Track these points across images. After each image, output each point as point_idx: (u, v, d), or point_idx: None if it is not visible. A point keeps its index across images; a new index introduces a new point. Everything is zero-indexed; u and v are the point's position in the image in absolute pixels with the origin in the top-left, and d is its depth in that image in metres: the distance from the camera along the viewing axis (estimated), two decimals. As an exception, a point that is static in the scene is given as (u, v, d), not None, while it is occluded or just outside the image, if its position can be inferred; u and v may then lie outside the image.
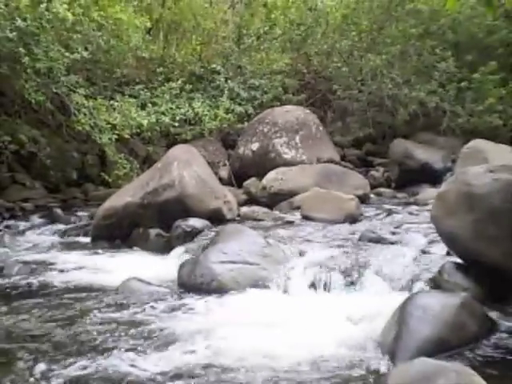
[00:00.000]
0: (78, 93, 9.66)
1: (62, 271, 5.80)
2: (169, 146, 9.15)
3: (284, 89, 12.73)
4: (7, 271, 5.81)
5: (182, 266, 5.41)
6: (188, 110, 11.03)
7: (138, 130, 10.21)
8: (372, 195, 9.15)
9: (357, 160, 11.77)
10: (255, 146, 9.93)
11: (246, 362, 3.42)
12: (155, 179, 7.10)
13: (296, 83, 13.22)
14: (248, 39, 13.26)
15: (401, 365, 3.16)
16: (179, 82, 11.52)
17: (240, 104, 11.75)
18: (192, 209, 6.91)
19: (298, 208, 7.62)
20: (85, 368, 3.38)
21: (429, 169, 10.03)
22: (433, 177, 9.58)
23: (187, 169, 7.16)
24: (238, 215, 7.56)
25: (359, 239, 5.77)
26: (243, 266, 5.10)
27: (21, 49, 8.67)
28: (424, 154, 10.31)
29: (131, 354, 3.56)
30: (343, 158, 11.20)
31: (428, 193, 8.67)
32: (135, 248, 6.74)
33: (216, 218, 6.97)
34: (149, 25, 12.37)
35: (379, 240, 5.66)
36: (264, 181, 8.94)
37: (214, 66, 12.61)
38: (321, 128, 10.32)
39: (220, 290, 4.90)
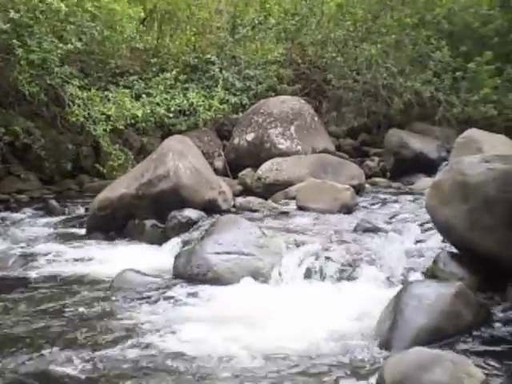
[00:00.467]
0: (72, 84, 9.62)
1: (56, 263, 5.80)
2: (163, 137, 9.13)
3: (279, 79, 12.69)
4: (2, 263, 5.81)
5: (177, 257, 5.42)
6: (182, 101, 11.00)
7: (133, 121, 10.18)
8: (367, 185, 9.15)
9: (352, 150, 11.76)
10: (250, 137, 9.91)
11: (240, 352, 3.42)
12: (150, 170, 7.08)
13: (291, 73, 13.18)
14: (242, 29, 13.19)
15: (396, 354, 3.16)
16: (173, 72, 11.47)
17: (235, 94, 11.72)
18: (187, 200, 6.90)
19: (293, 198, 7.62)
20: (76, 358, 3.38)
21: (424, 158, 10.04)
22: (428, 166, 9.58)
23: (182, 160, 7.14)
24: (234, 206, 7.55)
25: (354, 229, 5.77)
26: (239, 257, 5.11)
27: (14, 40, 8.64)
28: (419, 143, 10.32)
29: (125, 345, 3.56)
30: (338, 148, 11.19)
31: (423, 182, 8.69)
32: (130, 239, 6.73)
33: (211, 209, 6.97)
34: (143, 15, 12.35)
35: (374, 230, 5.66)
36: (259, 171, 8.93)
37: (208, 56, 12.56)
38: (316, 118, 10.31)
39: (215, 280, 4.91)
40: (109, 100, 9.99)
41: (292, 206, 7.39)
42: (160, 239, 6.49)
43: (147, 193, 6.94)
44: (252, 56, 12.98)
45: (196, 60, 12.55)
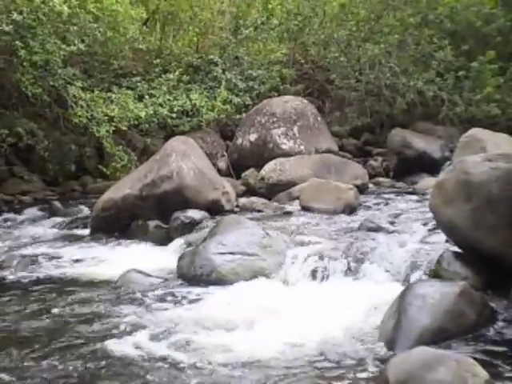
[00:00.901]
0: (74, 85, 9.64)
1: (60, 264, 5.81)
2: (167, 138, 9.14)
3: (282, 79, 12.70)
4: (6, 264, 5.82)
5: (181, 258, 5.42)
6: (185, 102, 11.01)
7: (136, 122, 10.20)
8: (370, 185, 9.15)
9: (355, 150, 11.76)
10: (253, 137, 9.91)
11: (242, 351, 3.42)
12: (153, 171, 7.09)
13: (294, 73, 13.19)
14: (245, 30, 13.20)
15: (400, 354, 3.16)
16: (176, 73, 11.48)
17: (237, 95, 11.72)
18: (191, 200, 6.91)
19: (296, 198, 7.62)
20: (80, 358, 3.39)
21: (427, 158, 10.04)
22: (431, 166, 9.58)
23: (185, 160, 7.15)
24: (237, 206, 7.56)
25: (358, 229, 5.77)
26: (242, 257, 5.11)
27: (17, 42, 8.65)
28: (422, 143, 10.32)
29: (129, 344, 3.57)
30: (341, 147, 11.19)
31: (426, 182, 8.68)
32: (134, 240, 6.73)
33: (214, 209, 6.98)
34: (145, 16, 12.35)
35: (378, 229, 5.66)
36: (262, 171, 8.93)
37: (211, 57, 12.57)
38: (319, 118, 10.31)
39: (219, 281, 4.91)
40: (112, 101, 10.00)
41: (295, 206, 7.39)
42: (164, 240, 6.49)
43: (151, 193, 6.94)
44: (255, 56, 12.99)
45: (199, 61, 12.56)
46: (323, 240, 5.38)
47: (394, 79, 11.64)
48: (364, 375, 3.12)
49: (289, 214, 7.00)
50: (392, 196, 8.23)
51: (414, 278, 4.43)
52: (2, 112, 9.63)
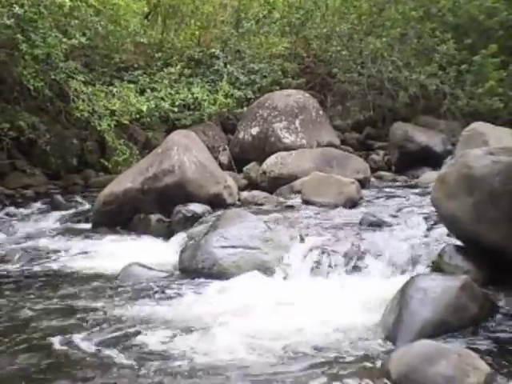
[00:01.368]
0: (76, 79, 9.62)
1: (62, 257, 5.82)
2: (168, 132, 9.12)
3: (283, 73, 12.65)
4: (8, 258, 5.83)
5: (183, 251, 5.43)
6: (187, 95, 10.97)
7: (138, 116, 10.17)
8: (372, 179, 9.14)
9: (357, 143, 11.73)
10: (255, 131, 9.90)
11: (245, 346, 3.43)
12: (155, 165, 7.10)
13: (295, 67, 13.15)
14: (247, 23, 13.15)
15: (402, 347, 3.17)
16: (178, 67, 11.45)
17: (239, 88, 11.68)
18: (192, 194, 6.91)
19: (298, 192, 7.62)
20: (80, 349, 3.41)
21: (429, 152, 10.02)
22: (433, 160, 9.56)
23: (187, 154, 7.15)
24: (239, 200, 7.56)
25: (360, 223, 5.77)
26: (244, 251, 5.12)
27: (19, 35, 8.63)
28: (424, 136, 10.29)
29: (130, 338, 3.58)
30: (343, 141, 11.16)
31: (428, 176, 8.67)
32: (136, 233, 6.75)
33: (216, 203, 6.98)
34: (147, 9, 12.31)
35: (380, 223, 5.66)
36: (264, 165, 8.93)
37: (212, 50, 12.53)
38: (320, 112, 10.30)
39: (221, 274, 4.92)
40: (113, 95, 9.98)
41: (297, 199, 7.38)
42: (165, 233, 6.51)
43: (152, 187, 6.95)
44: (256, 50, 12.93)
45: (200, 54, 12.52)
46: (325, 234, 5.39)
47: (396, 73, 11.60)
48: (365, 368, 3.13)
49: (290, 207, 6.99)
50: (394, 190, 8.22)
51: (415, 271, 4.43)
52: (3, 106, 9.62)
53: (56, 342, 3.57)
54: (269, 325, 3.73)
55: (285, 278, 4.81)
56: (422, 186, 8.15)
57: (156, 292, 4.59)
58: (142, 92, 10.76)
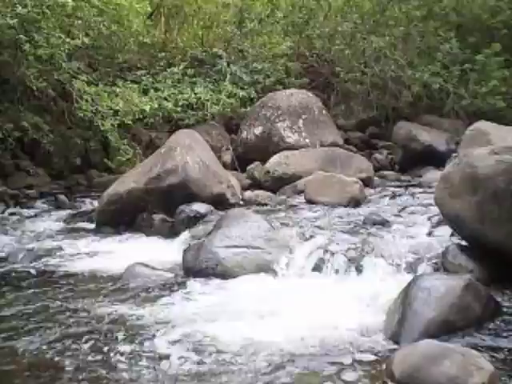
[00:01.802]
0: (79, 79, 9.63)
1: (66, 257, 5.82)
2: (171, 132, 9.11)
3: (286, 72, 12.64)
4: (12, 258, 5.84)
5: (186, 251, 5.43)
6: (190, 95, 10.97)
7: (141, 116, 10.17)
8: (376, 178, 9.12)
9: (360, 143, 11.72)
10: (258, 131, 9.90)
11: (248, 346, 3.43)
12: (158, 165, 7.09)
13: (299, 66, 13.13)
14: (250, 23, 13.15)
15: (405, 347, 3.17)
16: (181, 67, 11.45)
17: (242, 88, 11.67)
18: (196, 194, 6.91)
19: (301, 192, 7.61)
20: (81, 351, 3.41)
21: (433, 151, 10.00)
22: (437, 159, 9.53)
23: (190, 154, 7.15)
24: (242, 199, 7.56)
25: (363, 222, 5.77)
26: (247, 250, 5.12)
27: (22, 36, 8.64)
28: (428, 136, 10.28)
29: (132, 338, 3.58)
30: (346, 141, 11.14)
31: (432, 175, 8.65)
32: (140, 233, 6.74)
33: (220, 203, 6.97)
34: (150, 9, 12.31)
35: (383, 223, 5.66)
36: (267, 165, 8.92)
37: (215, 50, 12.52)
38: (324, 111, 10.29)
39: (225, 274, 4.92)
40: (117, 95, 9.98)
41: (300, 199, 7.38)
42: (169, 233, 6.51)
43: (156, 187, 6.95)
44: (259, 49, 12.92)
45: (203, 54, 12.51)
46: (328, 233, 5.38)
47: (399, 72, 11.59)
48: (369, 368, 3.12)
49: (294, 207, 6.99)
50: (397, 189, 8.21)
51: (419, 271, 4.43)
52: (7, 106, 9.63)
53: (58, 341, 3.57)
54: (271, 324, 3.72)
55: (287, 278, 4.80)
56: (426, 185, 8.14)
57: (160, 292, 4.59)
58: (145, 92, 10.76)
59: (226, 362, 3.25)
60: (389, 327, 3.59)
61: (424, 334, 3.33)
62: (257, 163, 9.29)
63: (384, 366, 3.06)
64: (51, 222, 7.58)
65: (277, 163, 8.83)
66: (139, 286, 4.76)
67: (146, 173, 7.13)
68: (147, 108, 10.04)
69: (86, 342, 3.57)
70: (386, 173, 9.86)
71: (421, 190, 7.87)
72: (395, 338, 3.45)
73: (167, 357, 3.32)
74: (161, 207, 6.87)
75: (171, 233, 6.48)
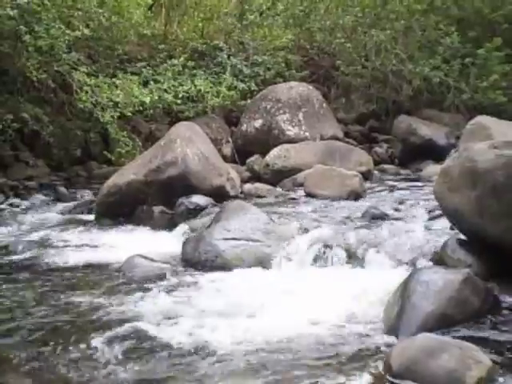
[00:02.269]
0: (79, 70, 9.62)
1: (65, 248, 5.83)
2: (171, 124, 9.12)
3: (287, 65, 12.63)
4: (11, 249, 5.85)
5: (185, 243, 5.44)
6: (190, 87, 10.96)
7: (141, 108, 10.17)
8: (375, 172, 9.13)
9: (360, 136, 11.72)
10: (258, 123, 9.90)
11: (246, 338, 3.43)
12: (158, 157, 7.10)
13: (299, 59, 13.13)
14: (251, 15, 13.13)
15: (403, 340, 3.17)
16: (181, 59, 11.43)
17: (243, 81, 11.67)
18: (195, 186, 6.92)
19: (301, 185, 7.62)
20: (79, 343, 3.41)
21: (433, 145, 10.01)
22: (437, 153, 9.54)
23: (190, 146, 7.15)
24: (241, 192, 7.57)
25: (363, 216, 5.77)
26: (247, 243, 5.12)
27: (22, 27, 8.63)
28: (428, 130, 10.29)
29: (131, 330, 3.58)
30: (347, 134, 11.15)
31: (431, 169, 8.66)
32: (139, 225, 6.74)
33: (219, 195, 6.98)
34: (150, 1, 12.29)
35: (383, 216, 5.66)
36: (267, 158, 8.93)
37: (216, 42, 12.51)
38: (324, 104, 10.29)
39: (224, 266, 4.93)
40: (117, 87, 9.97)
41: (300, 192, 7.39)
42: (168, 225, 6.51)
43: (155, 179, 6.95)
44: (260, 42, 12.92)
45: (204, 46, 12.49)
46: (327, 226, 5.39)
47: (399, 66, 11.59)
48: (367, 361, 3.13)
49: (293, 200, 7.00)
50: (397, 183, 8.21)
51: (418, 264, 4.43)
52: (7, 97, 9.62)
53: (57, 333, 3.58)
54: (269, 317, 3.72)
55: (286, 271, 4.81)
56: (425, 179, 8.14)
57: (159, 284, 4.59)
58: (145, 84, 10.75)
59: (223, 354, 3.25)
60: (387, 320, 3.60)
61: (422, 328, 3.33)
62: (256, 156, 9.30)
63: (382, 360, 3.06)
64: (50, 214, 7.59)
65: (277, 156, 8.84)
66: (138, 277, 4.76)
67: (145, 165, 7.13)
68: (147, 100, 10.03)
69: (82, 332, 3.57)
70: (385, 166, 9.88)
71: (420, 183, 7.88)
72: (393, 331, 3.46)
73: (161, 349, 3.32)
74: (160, 199, 6.87)
75: (170, 225, 6.48)
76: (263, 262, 4.91)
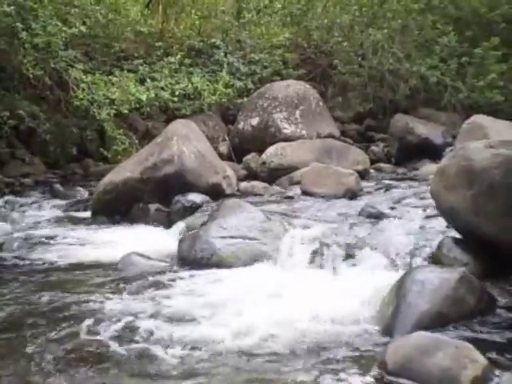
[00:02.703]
0: (76, 68, 9.60)
1: (61, 246, 5.82)
2: (168, 121, 9.10)
3: (284, 63, 12.63)
4: (7, 246, 5.84)
5: (181, 241, 5.43)
6: (187, 85, 10.94)
7: (137, 105, 10.14)
8: (372, 170, 9.14)
9: (357, 135, 11.72)
10: (255, 121, 9.89)
11: (241, 337, 3.43)
12: (155, 154, 7.09)
13: (296, 58, 13.11)
14: (248, 13, 13.13)
15: (399, 339, 3.17)
16: (178, 56, 11.41)
17: (240, 79, 11.66)
18: (192, 184, 6.91)
19: (297, 183, 7.61)
20: (74, 341, 3.41)
21: (429, 144, 10.01)
22: (433, 152, 9.54)
23: (187, 144, 7.14)
24: (238, 190, 7.56)
25: (359, 214, 5.76)
26: (243, 241, 5.12)
27: (19, 23, 8.61)
28: (424, 129, 10.28)
29: (125, 328, 3.58)
30: (343, 133, 11.14)
31: (428, 168, 8.66)
32: (135, 223, 6.74)
33: (215, 193, 6.97)
34: (147, -2, 12.28)
35: (379, 215, 5.65)
36: (264, 156, 8.92)
37: (213, 40, 12.50)
38: (321, 103, 10.28)
39: (220, 264, 4.93)
40: (113, 84, 9.96)
41: (296, 190, 7.38)
42: (164, 223, 6.51)
43: (152, 177, 6.95)
44: (257, 40, 12.91)
45: (201, 44, 12.48)
46: (323, 225, 5.38)
47: (396, 65, 11.58)
48: (362, 360, 3.13)
49: (290, 198, 6.99)
50: (393, 182, 8.21)
51: (413, 263, 4.43)
52: (3, 94, 9.60)
53: (52, 331, 3.57)
54: (264, 316, 3.71)
55: (282, 269, 4.80)
56: (422, 178, 8.14)
57: (155, 281, 4.59)
58: (141, 81, 10.73)
59: (217, 353, 3.25)
60: (383, 319, 3.60)
61: (417, 326, 3.34)
62: (253, 154, 9.29)
63: (377, 358, 3.07)
64: (46, 211, 7.58)
65: (273, 154, 8.83)
66: (134, 275, 4.76)
67: (141, 162, 7.12)
68: (144, 97, 10.01)
69: (78, 330, 3.57)
70: (382, 165, 9.87)
71: (417, 182, 7.88)
72: (389, 329, 3.46)
73: (156, 346, 3.32)
74: (156, 197, 6.87)
75: (167, 222, 6.48)
76: (259, 260, 4.91)
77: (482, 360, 2.83)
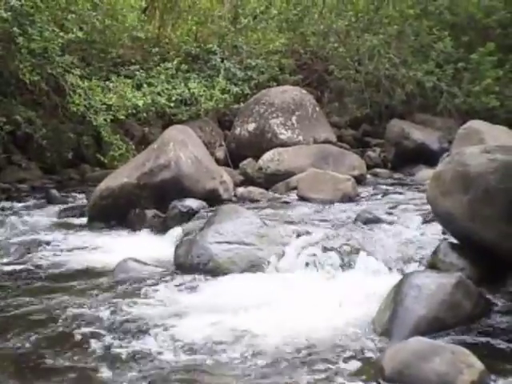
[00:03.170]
0: (72, 73, 9.60)
1: (57, 252, 5.80)
2: (165, 127, 9.11)
3: (280, 69, 12.67)
4: (3, 252, 5.82)
5: (178, 247, 5.43)
6: (184, 91, 10.96)
7: (134, 111, 10.16)
8: (368, 176, 9.16)
9: (353, 140, 11.76)
10: (251, 127, 9.90)
11: (237, 342, 3.43)
12: (151, 160, 7.08)
13: (293, 63, 13.16)
14: (244, 19, 13.16)
15: (396, 344, 3.17)
16: (175, 62, 11.43)
17: (236, 84, 11.68)
18: (188, 189, 6.90)
19: (294, 188, 7.62)
20: (70, 347, 3.40)
21: (425, 149, 10.04)
22: (429, 157, 9.57)
23: (183, 149, 7.14)
24: (234, 196, 7.56)
25: (355, 220, 5.77)
26: (239, 247, 5.11)
27: (15, 29, 8.61)
28: (421, 134, 10.32)
29: (121, 334, 3.57)
30: (340, 138, 11.16)
31: (424, 173, 8.68)
32: (131, 228, 6.72)
33: (212, 199, 6.97)
34: (144, 4, 12.29)
35: (375, 220, 5.65)
36: (260, 161, 8.93)
37: (209, 46, 12.52)
38: (317, 108, 10.30)
39: (216, 270, 4.92)
40: (110, 90, 9.96)
41: (293, 196, 7.39)
42: (161, 229, 6.49)
43: (148, 182, 6.94)
44: (254, 46, 12.95)
45: (197, 50, 12.50)
46: (320, 230, 5.38)
47: (393, 70, 11.62)
48: (359, 365, 3.13)
49: (286, 203, 7.00)
50: (390, 187, 8.23)
51: (410, 268, 4.43)
52: (0, 99, 9.60)
53: (47, 335, 3.57)
54: (261, 321, 3.72)
55: (279, 274, 4.80)
56: (418, 183, 8.17)
57: (151, 287, 4.57)
58: (138, 87, 10.74)
59: (213, 359, 3.24)
60: (380, 324, 3.60)
61: (414, 331, 3.34)
62: (250, 159, 9.30)
63: (374, 363, 3.07)
64: (43, 217, 7.55)
65: (270, 160, 8.85)
66: (130, 281, 4.74)
67: (138, 168, 7.12)
68: (140, 103, 10.02)
69: (70, 336, 3.56)
70: (378, 170, 9.89)
71: (413, 187, 7.90)
72: (386, 334, 3.46)
73: (153, 353, 3.31)
74: (153, 202, 6.86)
75: (163, 228, 6.47)
76: (256, 266, 4.90)
77: (478, 365, 2.83)
